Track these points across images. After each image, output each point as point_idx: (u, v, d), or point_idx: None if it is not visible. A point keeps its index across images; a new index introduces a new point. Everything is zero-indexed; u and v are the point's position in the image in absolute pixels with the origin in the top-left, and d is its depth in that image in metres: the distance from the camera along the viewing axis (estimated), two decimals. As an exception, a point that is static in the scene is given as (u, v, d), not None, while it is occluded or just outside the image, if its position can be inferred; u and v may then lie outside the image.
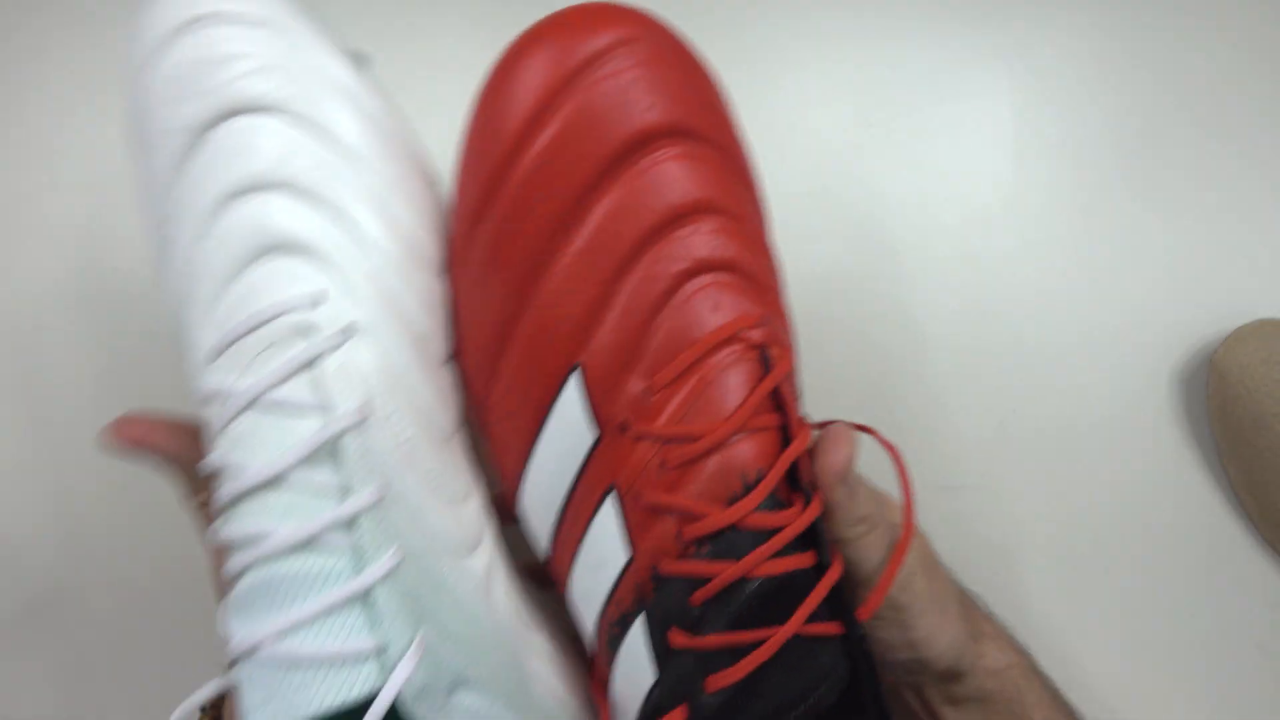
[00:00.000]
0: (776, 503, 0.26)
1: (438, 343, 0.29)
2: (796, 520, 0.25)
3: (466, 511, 0.28)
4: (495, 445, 0.29)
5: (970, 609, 0.32)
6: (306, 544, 0.24)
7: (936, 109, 0.44)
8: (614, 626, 0.27)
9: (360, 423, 0.25)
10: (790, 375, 0.27)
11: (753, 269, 0.27)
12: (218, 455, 0.25)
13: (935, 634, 0.29)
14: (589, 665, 0.31)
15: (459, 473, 0.28)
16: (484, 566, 0.28)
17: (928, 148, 0.43)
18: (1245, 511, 0.41)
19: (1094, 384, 0.42)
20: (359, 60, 0.29)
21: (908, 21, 0.44)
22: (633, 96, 0.25)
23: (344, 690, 0.23)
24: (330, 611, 0.23)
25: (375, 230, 0.26)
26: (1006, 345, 0.42)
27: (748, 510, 0.25)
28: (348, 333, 0.25)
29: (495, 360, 0.28)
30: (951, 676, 0.31)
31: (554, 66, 0.25)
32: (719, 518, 0.25)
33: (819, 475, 0.27)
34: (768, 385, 0.26)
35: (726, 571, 0.25)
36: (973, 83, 0.44)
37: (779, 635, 0.24)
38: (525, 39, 0.26)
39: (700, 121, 0.27)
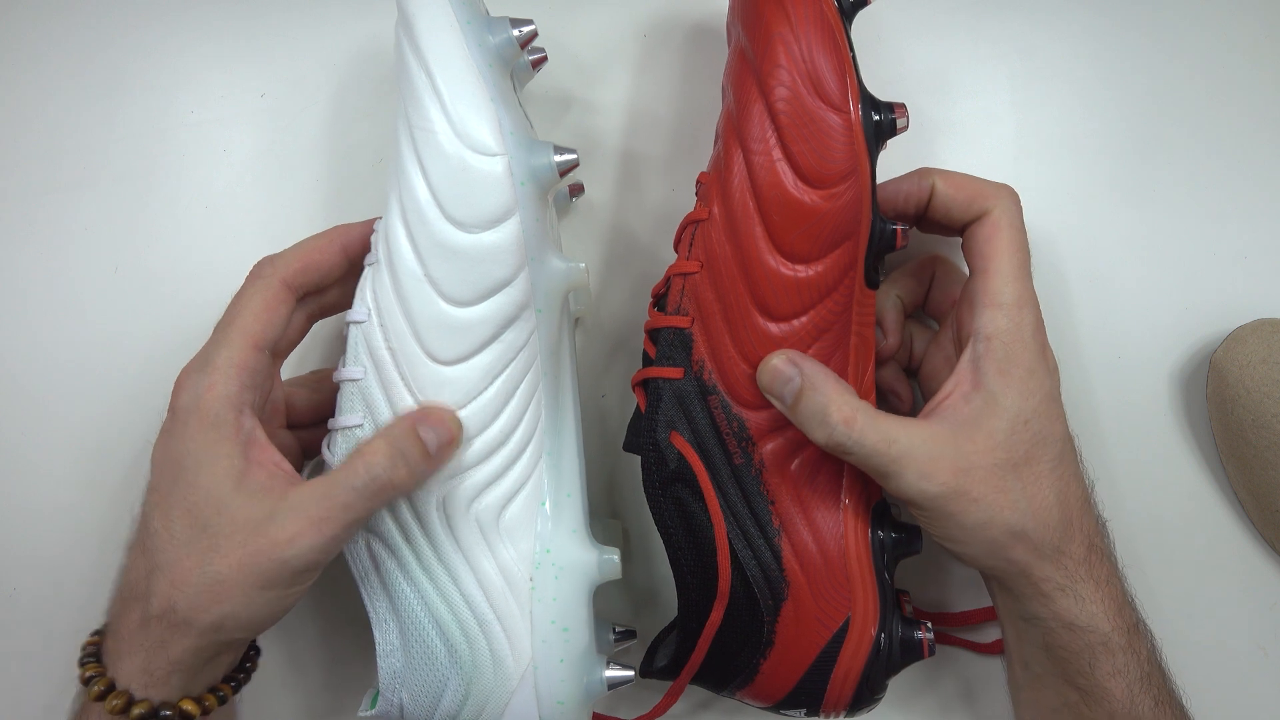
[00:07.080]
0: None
1: None
2: None
3: None
4: None
5: (1069, 559, 0.32)
6: None
7: (936, 109, 0.44)
8: None
9: None
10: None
11: None
12: None
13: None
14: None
15: None
16: None
17: (928, 147, 0.43)
18: (1245, 511, 0.41)
19: (1094, 384, 0.42)
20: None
21: (908, 21, 0.44)
22: None
23: None
24: None
25: None
26: (1006, 345, 0.42)
27: None
28: None
29: None
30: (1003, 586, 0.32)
31: None
32: None
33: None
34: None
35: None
36: (973, 82, 0.44)
37: None
38: None
39: None
